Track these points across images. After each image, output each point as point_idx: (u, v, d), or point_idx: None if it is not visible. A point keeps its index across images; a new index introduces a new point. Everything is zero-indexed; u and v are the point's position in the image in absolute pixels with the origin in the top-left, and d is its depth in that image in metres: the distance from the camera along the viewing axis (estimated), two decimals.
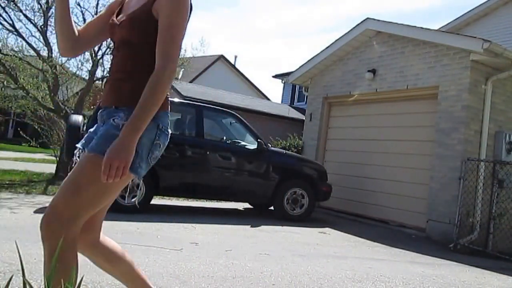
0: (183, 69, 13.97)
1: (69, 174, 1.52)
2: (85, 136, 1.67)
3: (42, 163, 13.29)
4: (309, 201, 6.96)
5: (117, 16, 1.68)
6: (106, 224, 5.35)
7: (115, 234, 4.38)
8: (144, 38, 1.57)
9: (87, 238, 1.68)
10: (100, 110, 1.66)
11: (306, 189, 6.97)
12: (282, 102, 19.47)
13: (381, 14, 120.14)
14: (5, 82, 10.99)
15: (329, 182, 7.33)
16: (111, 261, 1.76)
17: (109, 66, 1.44)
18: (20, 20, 10.10)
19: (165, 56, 1.49)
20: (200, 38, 44.82)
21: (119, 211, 5.80)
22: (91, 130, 1.66)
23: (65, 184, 1.50)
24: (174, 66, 1.49)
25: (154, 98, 1.45)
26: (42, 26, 10.05)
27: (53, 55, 10.22)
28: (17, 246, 1.74)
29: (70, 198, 1.47)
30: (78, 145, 1.64)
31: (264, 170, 6.78)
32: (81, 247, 1.65)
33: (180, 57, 10.86)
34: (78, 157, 1.62)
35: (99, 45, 10.58)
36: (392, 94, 7.92)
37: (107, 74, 1.49)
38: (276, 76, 19.68)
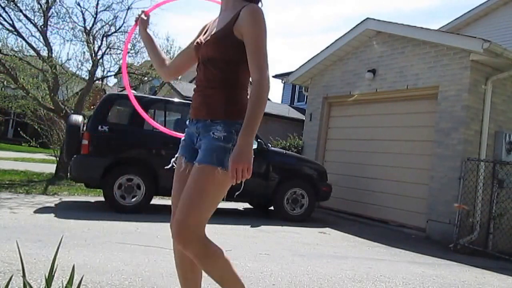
0: None
1: (186, 186, 1.75)
2: (181, 145, 1.95)
3: (42, 163, 13.29)
4: (309, 201, 6.96)
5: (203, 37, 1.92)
6: (106, 224, 5.35)
7: (115, 234, 4.38)
8: (228, 55, 1.78)
9: None
10: (193, 122, 1.88)
11: (306, 189, 6.97)
12: (282, 102, 19.48)
13: (381, 14, 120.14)
14: (5, 82, 11.01)
15: (329, 182, 7.33)
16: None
17: (194, 81, 1.71)
18: (20, 20, 10.12)
19: (258, 69, 1.71)
20: None
21: (119, 211, 5.81)
22: (184, 139, 1.95)
23: (185, 195, 1.73)
24: (267, 75, 1.71)
25: (260, 106, 1.67)
26: (42, 26, 10.06)
27: (53, 55, 10.23)
28: (18, 246, 1.74)
29: (193, 207, 1.70)
30: (178, 153, 1.95)
31: (264, 170, 6.78)
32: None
33: None
34: (175, 162, 1.95)
35: (99, 45, 10.62)
36: (392, 94, 7.92)
37: (195, 86, 1.77)
38: (276, 76, 19.67)
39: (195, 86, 1.92)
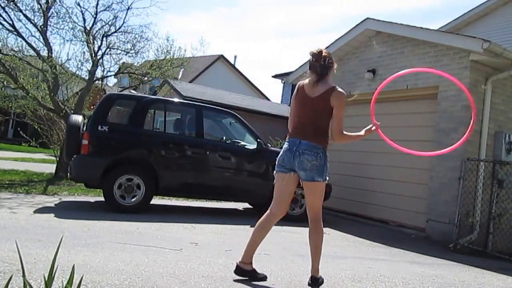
0: (182, 69, 13.98)
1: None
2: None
3: (42, 163, 13.29)
4: None
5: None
6: (106, 224, 5.33)
7: (115, 234, 4.38)
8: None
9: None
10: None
11: None
12: (282, 102, 19.45)
13: (380, 14, 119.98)
14: (5, 82, 11.00)
15: (329, 182, 7.31)
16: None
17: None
18: (20, 20, 10.11)
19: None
20: (199, 38, 45.09)
21: (119, 211, 5.81)
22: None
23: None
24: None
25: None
26: (42, 26, 10.05)
27: (52, 55, 10.23)
28: (17, 246, 1.74)
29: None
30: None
31: (263, 170, 6.78)
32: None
33: (179, 57, 10.82)
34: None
35: (99, 45, 10.61)
36: (392, 94, 7.91)
37: None
38: (276, 76, 19.66)
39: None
